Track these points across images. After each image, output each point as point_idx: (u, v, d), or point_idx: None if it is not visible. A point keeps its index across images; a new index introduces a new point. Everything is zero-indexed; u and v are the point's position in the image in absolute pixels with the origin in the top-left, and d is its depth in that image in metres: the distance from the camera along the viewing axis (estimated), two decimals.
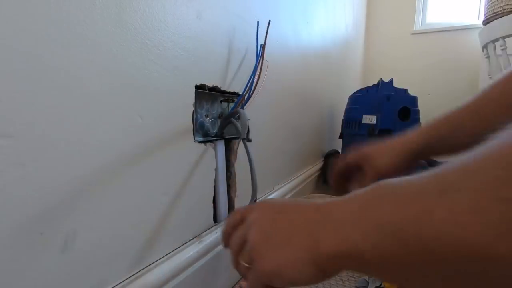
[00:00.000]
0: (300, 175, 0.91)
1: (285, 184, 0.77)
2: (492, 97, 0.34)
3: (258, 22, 0.49)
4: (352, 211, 0.18)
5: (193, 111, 0.40)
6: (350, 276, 0.54)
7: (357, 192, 0.19)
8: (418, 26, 2.42)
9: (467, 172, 0.14)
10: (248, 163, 0.42)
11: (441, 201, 0.14)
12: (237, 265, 0.23)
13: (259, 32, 0.48)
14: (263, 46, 0.46)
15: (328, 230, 0.18)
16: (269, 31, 0.46)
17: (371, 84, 1.24)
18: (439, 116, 0.40)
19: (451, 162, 0.15)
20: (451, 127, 0.38)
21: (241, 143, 0.52)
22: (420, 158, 0.39)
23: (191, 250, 0.39)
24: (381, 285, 0.45)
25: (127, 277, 0.31)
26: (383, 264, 0.16)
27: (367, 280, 0.47)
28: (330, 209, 0.19)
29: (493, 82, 0.35)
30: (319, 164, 1.15)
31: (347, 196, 0.19)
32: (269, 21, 0.46)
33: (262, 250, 0.20)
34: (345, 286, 0.51)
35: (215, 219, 0.47)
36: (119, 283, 0.30)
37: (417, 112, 1.13)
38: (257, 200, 0.54)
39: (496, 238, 0.12)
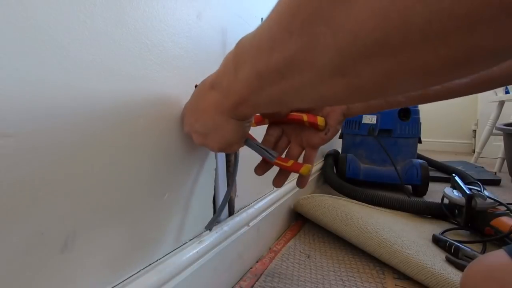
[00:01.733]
0: None
1: (285, 184, 0.77)
2: None
3: (262, 18, 0.49)
4: (231, 76, 0.25)
5: None
6: (350, 277, 0.54)
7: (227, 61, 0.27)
8: None
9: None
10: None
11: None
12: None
13: None
14: None
15: (226, 101, 0.26)
16: None
17: None
18: None
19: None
20: None
21: None
22: None
23: (191, 250, 0.39)
24: None
25: (127, 277, 0.31)
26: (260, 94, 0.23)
27: None
28: (217, 86, 0.27)
29: None
30: (319, 164, 1.15)
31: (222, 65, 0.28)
32: None
33: (205, 142, 0.32)
34: (345, 286, 0.51)
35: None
36: (119, 283, 0.30)
37: (417, 112, 1.13)
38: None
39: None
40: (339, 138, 1.29)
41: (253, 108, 0.26)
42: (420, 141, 1.16)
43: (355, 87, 0.17)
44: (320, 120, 0.36)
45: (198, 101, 0.31)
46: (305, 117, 0.37)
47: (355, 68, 0.16)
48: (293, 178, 0.85)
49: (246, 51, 0.23)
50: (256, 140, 0.37)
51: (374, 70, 0.15)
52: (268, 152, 0.36)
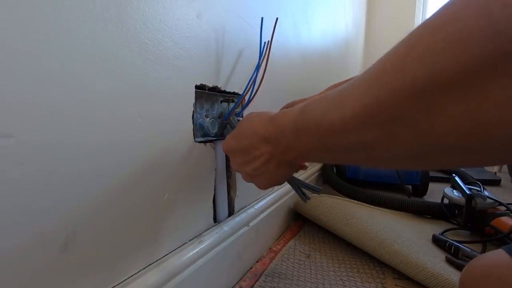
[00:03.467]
0: (300, 175, 0.91)
1: (285, 184, 0.77)
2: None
3: (262, 18, 0.49)
4: (299, 138, 0.26)
5: (193, 111, 0.40)
6: (350, 277, 0.54)
7: (288, 116, 0.28)
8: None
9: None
10: None
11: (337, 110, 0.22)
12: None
13: (257, 33, 0.48)
14: (270, 43, 0.46)
15: (289, 155, 0.29)
16: (269, 31, 0.46)
17: None
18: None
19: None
20: None
21: None
22: None
23: (191, 250, 0.39)
24: None
25: (127, 277, 0.31)
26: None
27: None
28: (283, 139, 0.29)
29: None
30: (319, 164, 1.15)
31: (283, 119, 0.29)
32: (277, 19, 0.46)
33: (254, 181, 0.36)
34: (345, 286, 0.51)
35: (215, 219, 0.48)
36: (119, 283, 0.30)
37: None
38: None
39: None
40: None
41: (308, 160, 0.30)
42: None
43: (425, 165, 0.23)
44: None
45: (249, 149, 0.32)
46: None
47: (432, 157, 0.18)
48: None
49: (313, 124, 0.24)
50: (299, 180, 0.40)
51: (449, 159, 0.17)
52: (307, 192, 0.40)
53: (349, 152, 0.22)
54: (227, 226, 0.47)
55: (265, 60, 0.46)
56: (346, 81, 0.30)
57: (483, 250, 0.64)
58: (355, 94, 0.19)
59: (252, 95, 0.45)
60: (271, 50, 0.45)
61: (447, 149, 0.16)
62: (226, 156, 0.49)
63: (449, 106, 0.15)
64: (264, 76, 0.46)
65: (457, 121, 0.15)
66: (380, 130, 0.18)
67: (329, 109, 0.22)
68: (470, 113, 0.14)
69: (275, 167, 0.31)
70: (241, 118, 0.43)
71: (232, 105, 0.48)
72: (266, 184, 0.34)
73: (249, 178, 0.36)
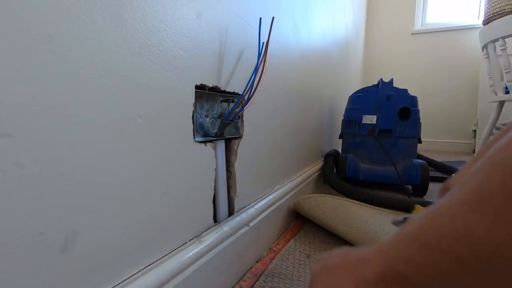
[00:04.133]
0: (300, 175, 0.91)
1: (285, 184, 0.77)
2: None
3: (260, 18, 0.49)
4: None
5: (193, 111, 0.40)
6: None
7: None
8: (418, 26, 2.42)
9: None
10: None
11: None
12: None
13: (257, 33, 0.48)
14: (266, 44, 0.46)
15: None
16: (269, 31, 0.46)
17: (371, 84, 1.24)
18: None
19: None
20: None
21: (241, 144, 0.52)
22: None
23: (191, 250, 0.39)
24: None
25: (127, 277, 0.31)
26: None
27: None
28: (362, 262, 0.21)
29: None
30: (319, 164, 1.15)
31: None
32: (273, 18, 0.46)
33: None
34: None
35: (215, 219, 0.48)
36: (119, 283, 0.30)
37: (417, 112, 1.13)
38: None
39: None
40: (339, 138, 1.30)
41: None
42: (420, 141, 1.16)
43: None
44: None
45: None
46: None
47: None
48: (293, 178, 0.85)
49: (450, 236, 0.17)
50: None
51: None
52: None
53: None
54: (227, 226, 0.47)
55: (263, 60, 0.46)
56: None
57: None
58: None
59: (251, 93, 0.45)
60: (271, 50, 0.45)
61: None
62: (226, 156, 0.49)
63: None
64: (263, 75, 0.46)
65: None
66: None
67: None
68: None
69: None
70: None
71: (232, 105, 0.48)
72: None
73: None
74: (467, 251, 0.15)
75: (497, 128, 1.49)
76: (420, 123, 1.14)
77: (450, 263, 0.16)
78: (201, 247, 0.41)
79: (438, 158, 1.49)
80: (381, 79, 1.19)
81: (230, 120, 0.45)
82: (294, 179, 0.85)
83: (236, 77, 0.50)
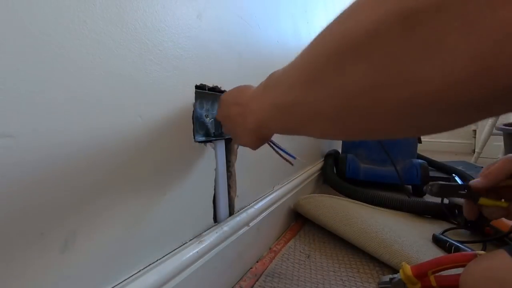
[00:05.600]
0: (300, 175, 0.91)
1: (285, 184, 0.77)
2: None
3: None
4: (258, 101, 0.29)
5: (193, 111, 0.40)
6: (350, 277, 0.54)
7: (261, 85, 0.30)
8: None
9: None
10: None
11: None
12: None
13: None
14: None
15: (250, 118, 0.30)
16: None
17: None
18: None
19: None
20: None
21: None
22: None
23: (191, 250, 0.39)
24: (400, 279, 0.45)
25: (127, 277, 0.31)
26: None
27: (391, 277, 0.48)
28: (248, 103, 0.31)
29: None
30: (319, 164, 1.15)
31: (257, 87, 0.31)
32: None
33: (233, 136, 0.39)
34: (345, 286, 0.51)
35: (215, 219, 0.48)
36: (119, 283, 0.30)
37: None
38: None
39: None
40: None
41: (270, 131, 0.31)
42: (420, 141, 1.16)
43: (343, 131, 0.23)
44: None
45: (229, 105, 0.36)
46: None
47: (348, 121, 0.20)
48: (293, 178, 0.85)
49: (272, 82, 0.27)
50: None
51: (362, 125, 0.20)
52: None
53: (292, 113, 0.23)
54: (227, 226, 0.47)
55: None
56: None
57: (483, 250, 0.64)
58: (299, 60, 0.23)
59: None
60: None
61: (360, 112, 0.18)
62: (226, 156, 0.49)
63: (358, 65, 0.16)
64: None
65: (362, 82, 0.17)
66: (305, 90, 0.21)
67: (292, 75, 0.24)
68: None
69: (242, 130, 0.33)
70: None
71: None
72: (243, 143, 0.36)
73: (227, 131, 0.40)
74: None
75: (497, 128, 1.49)
76: None
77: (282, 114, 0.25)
78: (201, 247, 0.41)
79: (438, 158, 1.49)
80: None
81: None
82: (294, 179, 0.85)
83: (236, 77, 0.50)
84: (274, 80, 0.27)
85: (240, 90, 0.36)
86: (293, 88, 0.22)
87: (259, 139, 0.34)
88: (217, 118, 0.41)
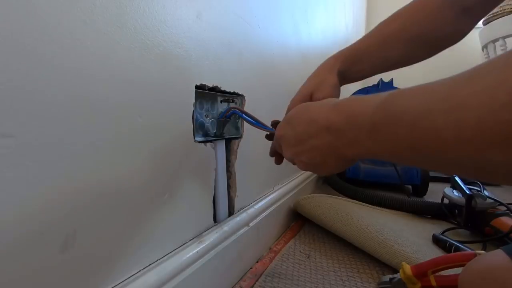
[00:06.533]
0: (300, 175, 0.91)
1: (285, 184, 0.77)
2: (392, 32, 0.42)
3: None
4: (359, 133, 0.23)
5: (193, 111, 0.40)
6: (350, 277, 0.54)
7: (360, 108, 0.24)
8: None
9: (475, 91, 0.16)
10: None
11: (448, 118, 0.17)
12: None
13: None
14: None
15: (355, 149, 0.25)
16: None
17: (371, 84, 1.24)
18: (348, 47, 0.46)
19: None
20: (360, 56, 0.45)
21: (241, 144, 0.52)
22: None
23: (191, 250, 0.39)
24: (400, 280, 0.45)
25: (127, 277, 0.31)
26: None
27: (390, 277, 0.48)
28: (342, 129, 0.25)
29: (394, 14, 0.43)
30: None
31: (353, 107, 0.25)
32: None
33: (309, 169, 0.31)
34: (345, 286, 0.51)
35: (215, 219, 0.48)
36: (119, 283, 0.30)
37: None
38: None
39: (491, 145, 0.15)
40: None
41: (373, 158, 0.25)
42: None
43: None
44: None
45: (306, 138, 0.29)
46: None
47: None
48: (293, 178, 0.85)
49: (403, 123, 0.20)
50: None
51: None
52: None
53: (451, 165, 0.18)
54: (227, 226, 0.47)
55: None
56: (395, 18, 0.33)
57: (483, 250, 0.64)
58: (480, 100, 0.15)
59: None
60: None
61: None
62: (226, 156, 0.49)
63: None
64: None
65: None
66: None
67: (432, 109, 0.17)
68: None
69: (333, 161, 0.27)
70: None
71: (232, 105, 0.48)
72: (324, 173, 0.31)
73: (305, 167, 0.31)
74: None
75: None
76: None
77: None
78: (201, 247, 0.41)
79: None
80: (381, 79, 1.19)
81: (225, 118, 0.45)
82: (294, 179, 0.85)
83: (236, 77, 0.50)
84: (413, 114, 0.19)
85: (309, 121, 0.29)
86: (479, 146, 0.15)
87: (346, 165, 0.29)
88: (286, 156, 0.34)
